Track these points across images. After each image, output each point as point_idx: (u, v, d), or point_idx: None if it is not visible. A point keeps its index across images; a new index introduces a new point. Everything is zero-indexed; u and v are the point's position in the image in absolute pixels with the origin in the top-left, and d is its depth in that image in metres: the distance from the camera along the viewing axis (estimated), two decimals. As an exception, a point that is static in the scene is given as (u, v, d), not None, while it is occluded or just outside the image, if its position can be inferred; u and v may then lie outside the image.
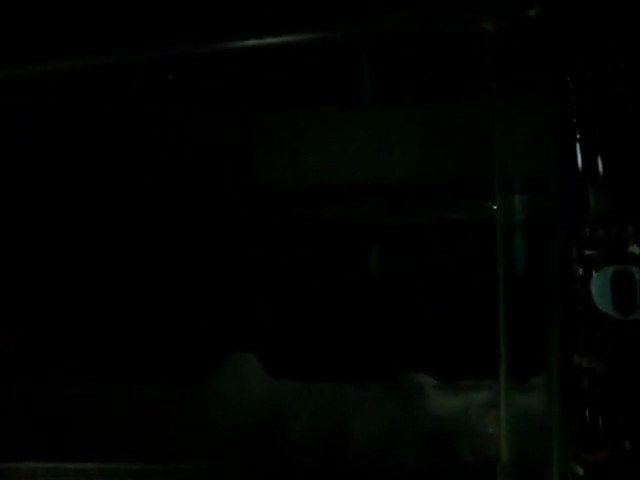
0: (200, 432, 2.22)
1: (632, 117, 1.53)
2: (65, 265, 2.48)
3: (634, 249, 1.49)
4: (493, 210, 1.85)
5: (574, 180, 1.57)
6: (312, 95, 2.46)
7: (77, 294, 2.42)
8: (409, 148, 2.39)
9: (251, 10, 1.94)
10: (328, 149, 2.51)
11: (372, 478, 2.08)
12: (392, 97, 2.46)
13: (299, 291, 2.39)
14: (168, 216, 2.45)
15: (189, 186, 2.51)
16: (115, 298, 2.39)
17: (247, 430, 2.22)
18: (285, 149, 2.55)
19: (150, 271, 2.40)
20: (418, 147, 2.38)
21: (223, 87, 2.51)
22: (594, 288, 1.52)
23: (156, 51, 2.21)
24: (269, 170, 2.54)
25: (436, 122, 2.32)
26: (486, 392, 2.07)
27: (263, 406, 2.24)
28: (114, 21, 2.04)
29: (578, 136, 1.57)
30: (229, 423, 2.23)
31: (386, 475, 2.07)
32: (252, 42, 2.11)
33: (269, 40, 1.98)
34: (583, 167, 1.56)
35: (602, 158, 1.54)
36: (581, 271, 1.56)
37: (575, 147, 1.58)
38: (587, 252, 1.55)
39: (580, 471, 1.55)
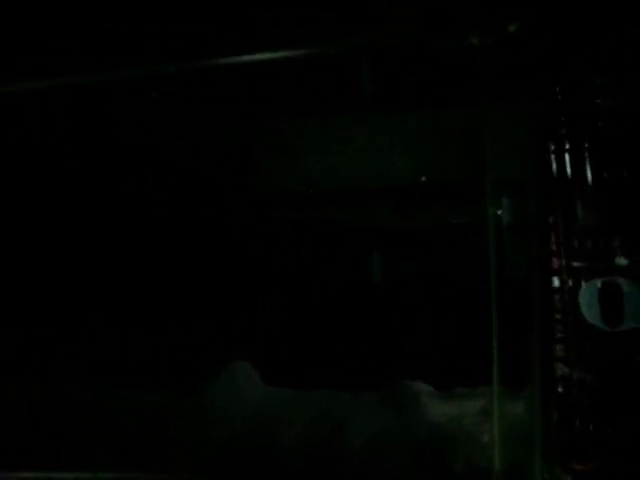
0: (196, 439, 2.23)
1: (619, 130, 1.53)
2: (65, 273, 2.51)
3: (621, 261, 1.49)
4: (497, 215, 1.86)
5: (562, 192, 1.58)
6: (316, 102, 2.48)
7: (77, 300, 2.44)
8: (410, 153, 2.41)
9: (253, 26, 1.97)
10: (331, 154, 2.52)
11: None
12: (392, 105, 2.47)
13: (296, 298, 2.40)
14: (169, 224, 2.47)
15: (192, 194, 2.53)
16: (114, 305, 2.40)
17: (242, 437, 2.22)
18: (289, 154, 2.57)
19: (149, 278, 2.42)
20: (419, 152, 2.40)
21: (228, 97, 2.53)
22: (582, 300, 1.53)
23: (161, 66, 2.24)
24: (272, 174, 2.55)
25: (436, 128, 2.33)
26: (481, 400, 2.07)
27: (258, 413, 2.25)
28: (115, 38, 2.07)
29: (567, 147, 1.58)
30: (225, 430, 2.24)
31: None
32: (256, 57, 2.13)
33: (271, 55, 2.01)
34: (571, 180, 1.57)
35: (590, 171, 1.55)
36: (570, 282, 1.57)
37: (563, 159, 1.58)
38: (575, 264, 1.55)
39: (569, 481, 1.57)
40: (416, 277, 2.30)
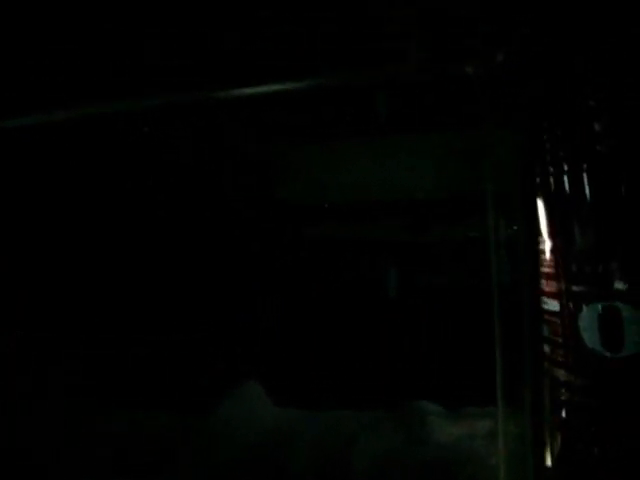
0: (206, 458, 2.25)
1: (618, 151, 1.52)
2: (81, 295, 2.54)
3: (620, 285, 1.48)
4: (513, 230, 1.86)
5: (561, 215, 1.57)
6: (330, 127, 2.52)
7: (88, 320, 2.48)
8: (422, 171, 2.43)
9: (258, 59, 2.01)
10: (345, 174, 2.55)
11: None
12: (399, 128, 2.50)
13: (305, 318, 2.41)
14: (186, 251, 2.50)
15: (211, 212, 2.56)
16: (126, 325, 2.44)
17: (252, 456, 2.24)
18: (305, 173, 2.60)
19: (158, 296, 2.45)
20: (431, 170, 2.41)
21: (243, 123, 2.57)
22: (582, 324, 1.52)
23: (175, 97, 2.27)
24: (288, 192, 2.58)
25: (448, 148, 2.35)
26: (489, 420, 2.07)
27: (268, 432, 2.27)
28: (120, 71, 2.10)
29: (565, 170, 1.57)
30: (234, 449, 2.26)
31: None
32: (269, 88, 2.17)
33: (281, 86, 2.04)
34: (570, 202, 1.56)
35: (589, 193, 1.54)
36: (570, 306, 1.55)
37: (562, 181, 1.58)
38: (575, 288, 1.54)
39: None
40: (423, 297, 2.31)
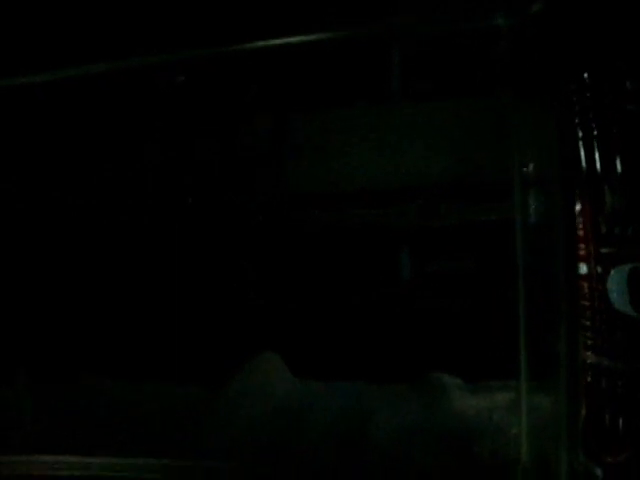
0: (223, 431, 2.24)
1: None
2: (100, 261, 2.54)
3: (650, 246, 1.46)
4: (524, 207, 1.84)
5: (589, 178, 1.55)
6: (339, 96, 2.48)
7: (105, 291, 2.48)
8: (437, 148, 2.39)
9: (267, 11, 1.97)
10: (353, 152, 2.52)
11: (394, 479, 2.07)
12: (419, 97, 2.46)
13: (324, 291, 2.40)
14: (197, 218, 2.50)
15: (217, 193, 2.55)
16: (141, 297, 2.44)
17: (270, 429, 2.24)
18: (313, 152, 2.57)
19: (176, 272, 2.45)
20: (447, 147, 2.38)
21: (248, 89, 2.54)
22: (611, 286, 1.50)
23: (182, 54, 2.25)
24: (298, 174, 2.56)
25: (465, 122, 2.31)
26: (509, 393, 2.05)
27: (286, 405, 2.26)
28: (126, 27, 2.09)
29: (594, 133, 1.55)
30: (252, 423, 2.25)
31: (408, 476, 2.06)
32: (275, 42, 2.13)
33: (287, 40, 2.00)
34: (599, 165, 1.54)
35: (618, 156, 1.52)
36: (598, 269, 1.54)
37: (591, 144, 1.56)
38: (604, 250, 1.52)
39: (599, 473, 1.53)
40: (444, 272, 2.29)
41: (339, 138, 2.50)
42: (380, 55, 2.38)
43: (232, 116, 2.59)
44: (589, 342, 1.55)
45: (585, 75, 1.45)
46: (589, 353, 1.55)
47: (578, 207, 1.57)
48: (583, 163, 1.56)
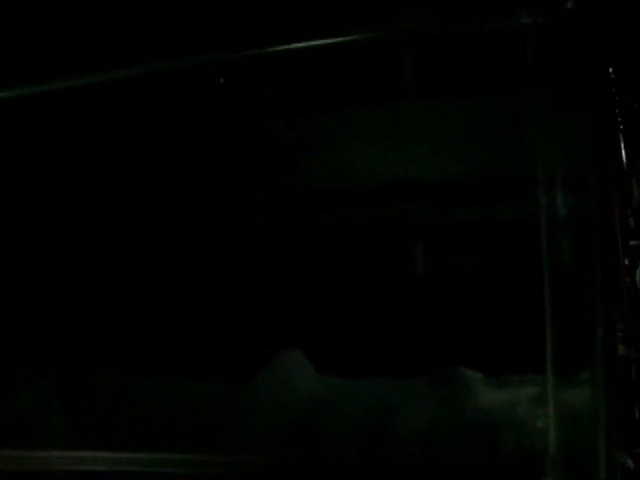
0: (247, 428, 2.26)
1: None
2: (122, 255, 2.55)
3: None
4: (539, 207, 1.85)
5: (618, 172, 1.57)
6: (349, 93, 2.49)
7: (127, 285, 2.49)
8: (452, 146, 2.40)
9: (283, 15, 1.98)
10: (366, 149, 2.53)
11: (418, 473, 2.09)
12: (433, 95, 2.47)
13: (345, 288, 2.41)
14: (213, 213, 2.51)
15: (230, 191, 2.56)
16: (165, 295, 2.45)
17: (294, 426, 2.25)
18: (327, 150, 2.58)
19: (198, 269, 2.46)
20: (461, 145, 2.39)
21: (262, 89, 2.55)
22: (639, 278, 1.52)
23: (198, 58, 2.27)
24: (312, 172, 2.57)
25: (478, 120, 2.32)
26: (532, 387, 2.07)
27: (310, 402, 2.27)
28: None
29: (621, 127, 1.57)
30: (276, 419, 2.27)
31: (432, 470, 2.08)
32: (285, 47, 2.14)
33: (298, 45, 2.01)
34: (626, 158, 1.56)
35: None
36: (626, 262, 1.56)
37: (618, 139, 1.58)
38: (632, 242, 1.54)
39: (631, 464, 1.55)
40: (466, 267, 2.31)
41: (356, 137, 2.52)
42: (403, 55, 2.39)
43: (244, 117, 2.61)
44: (619, 334, 1.57)
45: (617, 70, 1.47)
46: (619, 345, 1.57)
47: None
48: (611, 157, 1.58)
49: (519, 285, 2.08)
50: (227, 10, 2.24)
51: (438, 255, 2.39)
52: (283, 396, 2.31)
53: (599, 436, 1.56)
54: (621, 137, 1.57)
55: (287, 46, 2.14)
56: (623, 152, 1.57)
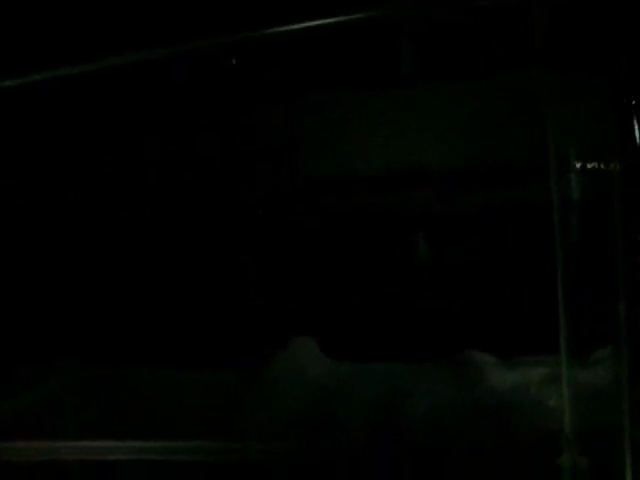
0: (259, 414, 2.26)
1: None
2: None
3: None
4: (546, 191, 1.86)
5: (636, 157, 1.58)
6: (351, 76, 2.48)
7: (142, 278, 2.49)
8: (457, 132, 2.41)
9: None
10: (373, 135, 2.54)
11: (431, 455, 2.11)
12: (436, 78, 2.47)
13: (355, 275, 2.42)
14: (234, 208, 2.51)
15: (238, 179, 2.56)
16: (177, 285, 2.45)
17: (306, 411, 2.26)
18: (327, 138, 2.59)
19: (208, 260, 2.46)
20: (466, 131, 2.40)
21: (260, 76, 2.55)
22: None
23: (194, 44, 2.25)
24: (312, 161, 2.58)
25: (485, 103, 2.33)
26: (544, 367, 2.10)
27: (322, 388, 2.28)
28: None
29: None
30: (288, 404, 2.27)
31: (445, 451, 2.09)
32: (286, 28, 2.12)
33: (300, 25, 1.98)
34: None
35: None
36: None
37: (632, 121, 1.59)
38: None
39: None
40: (480, 250, 2.32)
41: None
42: (407, 35, 2.39)
43: (244, 103, 2.60)
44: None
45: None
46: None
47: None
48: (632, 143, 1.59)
49: (530, 268, 2.10)
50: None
51: (449, 241, 2.41)
52: (295, 383, 2.32)
53: (622, 414, 1.58)
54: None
55: (287, 27, 2.13)
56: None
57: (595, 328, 1.77)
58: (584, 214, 1.77)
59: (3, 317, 2.39)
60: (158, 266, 2.49)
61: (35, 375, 2.45)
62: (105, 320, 2.46)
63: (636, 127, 1.57)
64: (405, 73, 2.57)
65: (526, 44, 1.81)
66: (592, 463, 1.73)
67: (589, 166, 1.72)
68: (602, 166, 1.63)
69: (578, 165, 1.74)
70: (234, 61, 2.50)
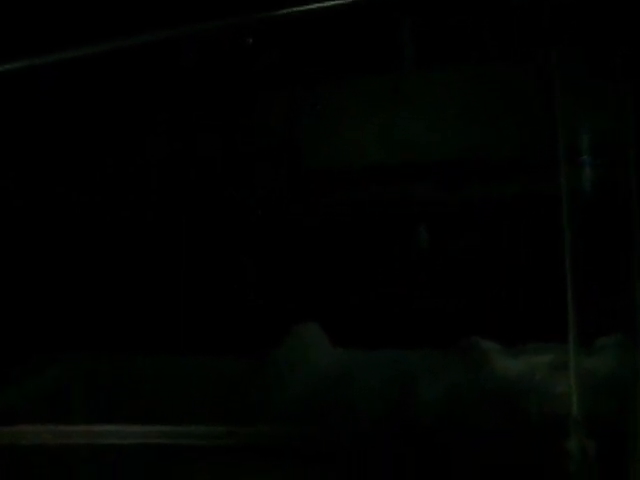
0: (266, 400, 2.28)
1: None
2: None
3: None
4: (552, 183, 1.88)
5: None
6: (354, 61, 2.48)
7: (149, 268, 2.49)
8: (462, 122, 2.43)
9: None
10: (377, 124, 2.55)
11: (438, 440, 2.13)
12: (441, 65, 2.48)
13: (362, 262, 2.44)
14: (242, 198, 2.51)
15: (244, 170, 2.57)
16: (183, 273, 2.45)
17: (311, 398, 2.27)
18: (329, 128, 2.59)
19: (214, 249, 2.47)
20: (470, 121, 2.42)
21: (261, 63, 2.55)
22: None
23: (194, 28, 2.24)
24: (315, 153, 2.59)
25: (491, 92, 2.34)
26: (549, 354, 2.13)
27: (328, 374, 2.30)
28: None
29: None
30: (294, 391, 2.29)
31: (452, 437, 2.12)
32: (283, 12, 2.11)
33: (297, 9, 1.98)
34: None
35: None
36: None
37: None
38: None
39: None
40: (483, 239, 2.35)
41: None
42: (403, 20, 2.38)
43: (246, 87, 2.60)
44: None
45: None
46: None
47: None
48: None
49: (538, 256, 2.13)
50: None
51: (455, 231, 2.43)
52: (301, 369, 2.33)
53: (636, 399, 1.60)
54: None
55: (287, 10, 2.12)
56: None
57: (602, 316, 1.80)
58: (593, 204, 1.80)
59: (8, 307, 2.39)
60: (161, 257, 2.49)
61: (39, 364, 2.44)
62: (108, 310, 2.46)
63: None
64: (406, 61, 2.57)
65: (539, 35, 1.83)
66: (599, 446, 1.76)
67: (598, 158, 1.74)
68: (612, 157, 1.65)
69: (587, 157, 1.76)
70: (230, 46, 2.49)
